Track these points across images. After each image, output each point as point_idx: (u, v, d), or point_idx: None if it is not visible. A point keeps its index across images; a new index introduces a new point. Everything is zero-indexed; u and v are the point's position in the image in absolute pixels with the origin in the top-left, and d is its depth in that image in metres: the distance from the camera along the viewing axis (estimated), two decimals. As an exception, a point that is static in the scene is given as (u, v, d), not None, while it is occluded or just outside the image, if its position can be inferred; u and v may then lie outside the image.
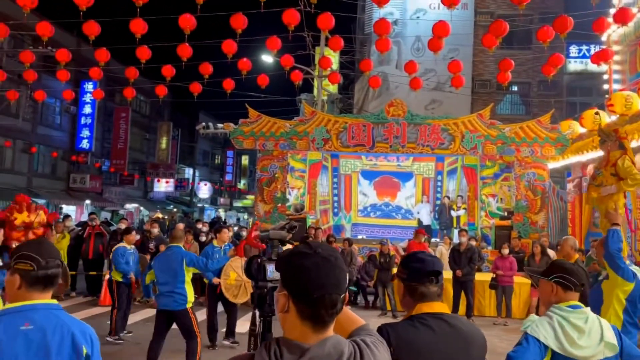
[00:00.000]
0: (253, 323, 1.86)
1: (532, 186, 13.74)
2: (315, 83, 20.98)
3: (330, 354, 1.36)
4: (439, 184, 16.44)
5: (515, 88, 25.15)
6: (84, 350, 2.13)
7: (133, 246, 8.61)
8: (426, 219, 15.80)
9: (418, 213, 15.96)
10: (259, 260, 1.83)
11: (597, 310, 3.90)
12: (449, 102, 22.76)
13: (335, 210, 16.60)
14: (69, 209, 29.53)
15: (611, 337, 2.51)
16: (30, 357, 2.03)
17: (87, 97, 29.76)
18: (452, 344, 2.06)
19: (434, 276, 2.14)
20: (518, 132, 13.75)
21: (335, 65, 21.72)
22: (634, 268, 4.01)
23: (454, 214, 15.36)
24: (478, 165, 15.17)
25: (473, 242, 12.14)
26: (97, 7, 8.34)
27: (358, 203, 16.72)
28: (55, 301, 2.21)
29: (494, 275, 10.42)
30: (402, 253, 11.63)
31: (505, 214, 14.21)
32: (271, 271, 1.82)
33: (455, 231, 14.13)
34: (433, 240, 14.35)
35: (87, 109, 30.55)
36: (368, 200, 16.69)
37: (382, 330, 2.07)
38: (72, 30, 25.27)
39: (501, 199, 14.96)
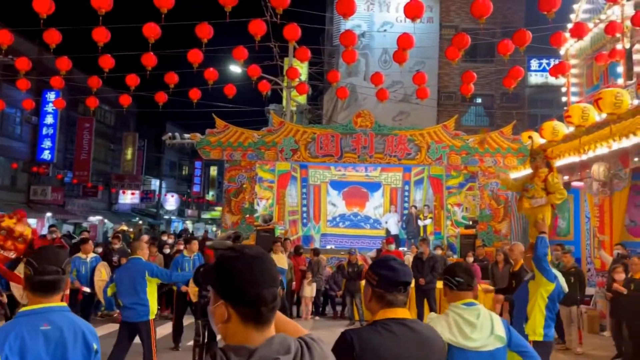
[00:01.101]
0: (197, 333, 1.87)
1: (495, 195, 14.05)
2: (284, 93, 21.01)
3: (278, 351, 1.36)
4: (407, 193, 16.63)
5: (479, 100, 25.73)
6: (94, 346, 2.42)
7: (92, 255, 8.61)
8: (394, 229, 15.92)
9: (386, 223, 16.08)
10: (201, 269, 1.86)
11: (524, 305, 4.52)
12: (415, 113, 23.12)
13: (305, 220, 16.58)
14: (29, 221, 28.57)
15: (500, 330, 2.77)
16: (50, 353, 2.28)
17: (49, 107, 28.99)
18: (414, 349, 2.09)
19: (403, 286, 2.16)
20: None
21: (303, 76, 21.81)
22: (555, 271, 4.58)
23: (420, 223, 15.54)
24: (444, 175, 15.42)
25: (439, 251, 12.30)
26: (59, 15, 8.18)
27: (327, 213, 16.74)
28: (64, 304, 2.43)
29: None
30: (370, 262, 11.69)
31: (470, 222, 14.47)
32: None
33: (420, 238, 14.29)
34: (401, 249, 14.46)
35: (49, 119, 29.76)
36: (337, 211, 16.74)
37: (345, 335, 2.09)
38: (34, 39, 24.66)
39: (466, 208, 15.23)
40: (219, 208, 46.61)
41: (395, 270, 2.17)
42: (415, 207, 15.97)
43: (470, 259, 10.87)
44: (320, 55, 25.24)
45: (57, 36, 8.58)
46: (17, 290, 9.44)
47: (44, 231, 21.89)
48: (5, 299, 6.33)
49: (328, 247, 15.41)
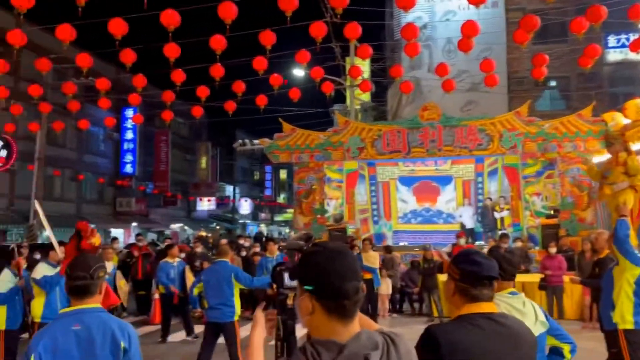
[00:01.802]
0: (278, 328, 1.93)
1: (577, 182, 13.32)
2: (347, 93, 21.03)
3: (366, 346, 1.38)
4: (480, 185, 16.10)
5: (553, 83, 24.49)
6: (122, 345, 2.51)
7: (177, 259, 9.10)
8: (469, 222, 15.49)
9: (460, 216, 15.67)
10: (277, 268, 1.92)
11: (609, 293, 4.39)
12: (485, 102, 22.35)
13: (375, 218, 16.50)
14: (116, 232, 30.45)
15: (542, 316, 2.86)
16: (80, 351, 2.46)
17: (128, 123, 30.79)
18: (502, 343, 2.01)
19: (488, 280, 2.10)
20: (559, 128, 13.38)
21: (366, 74, 21.73)
22: None
23: (497, 215, 15.01)
24: (519, 164, 14.79)
25: (519, 243, 11.84)
26: (132, 35, 8.65)
27: (398, 210, 16.56)
28: (99, 305, 2.61)
29: (543, 276, 10.10)
30: (446, 258, 11.44)
31: (552, 212, 13.78)
32: (287, 280, 1.90)
33: (500, 233, 13.81)
34: (477, 243, 14.06)
35: (129, 135, 31.59)
36: (408, 207, 16.51)
37: (430, 331, 2.04)
38: (110, 60, 26.24)
39: (546, 197, 14.51)
40: (291, 210, 47.38)
41: (478, 264, 2.11)
42: (491, 199, 15.45)
43: (553, 250, 10.36)
44: (382, 51, 25.03)
45: (132, 55, 9.08)
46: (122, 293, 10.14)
47: (132, 240, 23.25)
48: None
49: (401, 243, 15.24)
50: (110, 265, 9.80)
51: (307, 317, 1.46)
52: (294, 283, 1.91)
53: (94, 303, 2.58)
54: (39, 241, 20.25)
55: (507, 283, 2.89)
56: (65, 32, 7.91)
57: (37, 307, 6.40)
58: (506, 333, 2.03)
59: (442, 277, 10.55)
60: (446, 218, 16.26)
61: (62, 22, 8.09)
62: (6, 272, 6.53)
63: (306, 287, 1.46)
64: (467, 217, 15.59)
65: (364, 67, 20.84)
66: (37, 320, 6.31)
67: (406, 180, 16.46)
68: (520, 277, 10.54)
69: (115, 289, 9.75)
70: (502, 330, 2.03)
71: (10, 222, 24.12)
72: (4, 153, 21.81)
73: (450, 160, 15.61)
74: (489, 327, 2.02)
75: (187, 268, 9.38)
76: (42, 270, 6.47)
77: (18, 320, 6.49)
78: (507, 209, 15.05)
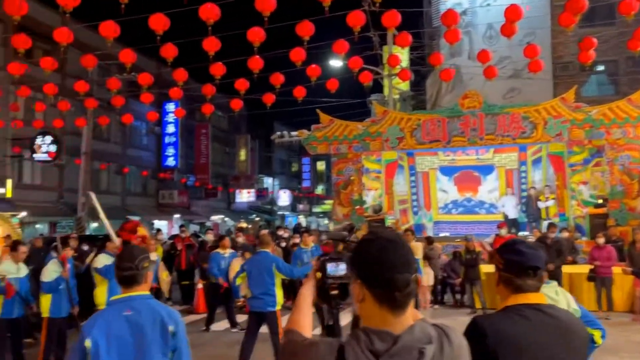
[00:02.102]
0: (322, 316, 1.95)
1: (627, 170, 12.80)
2: (385, 82, 20.82)
3: (421, 339, 1.37)
4: (524, 174, 15.67)
5: (601, 67, 23.54)
6: (170, 329, 2.67)
7: (229, 251, 9.29)
8: (512, 212, 15.13)
9: (503, 206, 15.32)
10: (321, 258, 1.93)
11: None
12: (528, 88, 21.71)
13: (415, 209, 16.33)
14: (160, 223, 31.27)
15: (574, 304, 2.92)
16: (132, 335, 2.62)
17: (170, 117, 31.46)
18: (551, 335, 1.95)
19: (533, 270, 2.04)
20: (607, 114, 12.88)
21: (404, 63, 21.45)
22: None
23: (541, 205, 14.60)
24: (565, 152, 14.32)
25: (565, 234, 11.50)
26: (172, 30, 8.79)
27: (438, 200, 16.33)
28: (147, 292, 2.79)
29: (592, 267, 9.78)
30: (489, 249, 11.23)
31: (600, 201, 13.30)
32: (330, 269, 1.91)
33: (545, 223, 13.43)
34: (521, 233, 13.73)
35: (171, 128, 32.28)
36: (448, 197, 16.26)
37: (476, 322, 2.01)
38: (151, 55, 26.84)
39: (594, 185, 14.01)
40: (329, 201, 47.48)
41: (522, 254, 2.06)
42: (535, 188, 15.03)
43: (602, 240, 10.00)
44: (421, 39, 24.63)
45: (173, 50, 9.24)
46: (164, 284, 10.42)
47: (175, 231, 23.82)
48: (76, 310, 7.03)
49: (442, 234, 15.04)
50: (154, 256, 10.05)
51: (358, 304, 1.45)
52: (338, 272, 1.92)
53: (142, 291, 2.76)
54: (87, 232, 21.01)
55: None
56: (109, 28, 8.11)
57: (100, 294, 6.69)
58: (555, 325, 1.97)
59: (485, 268, 10.36)
60: (488, 208, 15.93)
61: (106, 19, 8.30)
62: (54, 261, 6.81)
63: (358, 275, 1.45)
64: (510, 207, 15.23)
65: (403, 55, 20.59)
66: (101, 307, 6.56)
67: (447, 170, 16.20)
68: (567, 268, 10.27)
69: (157, 280, 10.00)
70: (551, 322, 1.97)
71: (60, 215, 25.12)
72: (53, 148, 22.64)
73: (493, 149, 15.26)
74: (536, 318, 1.97)
75: (238, 260, 9.51)
76: (103, 259, 6.76)
77: (62, 309, 6.76)
78: (552, 199, 14.61)
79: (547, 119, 13.38)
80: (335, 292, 2.13)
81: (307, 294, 1.82)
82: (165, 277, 10.31)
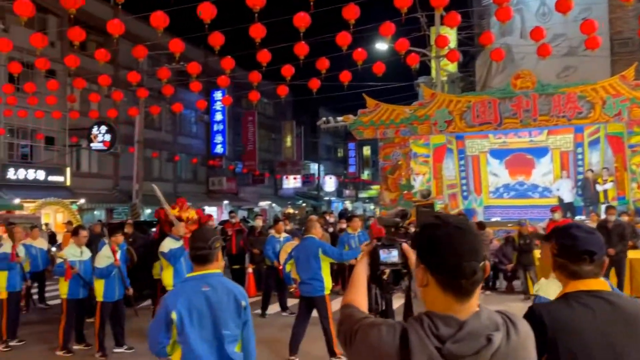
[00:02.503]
0: (376, 302, 1.96)
1: (694, 150, 12.06)
2: (433, 64, 20.37)
3: (487, 326, 1.32)
4: (580, 156, 15.03)
5: (664, 42, 22.14)
6: (242, 303, 2.99)
7: (284, 235, 9.48)
8: (567, 196, 14.58)
9: (558, 190, 14.78)
10: (373, 244, 1.92)
11: None
12: (584, 67, 20.69)
13: (465, 193, 15.99)
14: (210, 209, 32.02)
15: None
16: (209, 308, 2.89)
17: (217, 105, 32.02)
18: (614, 325, 1.85)
19: (588, 255, 1.95)
20: (672, 91, 12.13)
21: (453, 43, 20.88)
22: None
23: (599, 188, 13.99)
24: (625, 132, 13.63)
25: (625, 217, 10.98)
26: (219, 18, 8.88)
27: (489, 184, 15.92)
28: (219, 271, 3.06)
29: (655, 253, 9.32)
30: (542, 233, 10.88)
31: (663, 184, 12.62)
32: (383, 256, 1.89)
33: (603, 207, 12.87)
34: (577, 217, 13.23)
35: (218, 116, 32.87)
36: (500, 181, 15.82)
37: (534, 311, 1.93)
38: (199, 44, 27.30)
39: (656, 167, 13.31)
40: (375, 187, 47.23)
41: (575, 238, 1.97)
42: (592, 171, 14.40)
43: (666, 225, 9.50)
44: (469, 19, 23.88)
45: (220, 38, 9.33)
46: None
47: (224, 217, 24.36)
48: (130, 292, 7.29)
49: (493, 219, 14.69)
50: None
51: (421, 288, 1.42)
52: (391, 259, 1.89)
53: (214, 269, 3.02)
54: (142, 218, 21.78)
55: None
56: (159, 19, 8.27)
57: (167, 277, 7.03)
58: (618, 313, 1.86)
59: (539, 254, 10.05)
60: (542, 192, 15.40)
61: (155, 9, 8.46)
62: (106, 247, 7.10)
63: (421, 259, 1.42)
64: (566, 191, 14.67)
65: (451, 36, 20.05)
66: (169, 288, 6.80)
67: (498, 153, 15.74)
68: (629, 254, 9.82)
69: None
70: (613, 310, 1.87)
71: (116, 202, 26.14)
72: (108, 137, 23.52)
73: (547, 130, 14.71)
74: (598, 307, 1.87)
75: (291, 244, 9.60)
76: (169, 244, 7.06)
77: (115, 293, 7.05)
78: (611, 181, 13.97)
79: (606, 98, 12.77)
80: (387, 277, 2.12)
81: (362, 272, 1.82)
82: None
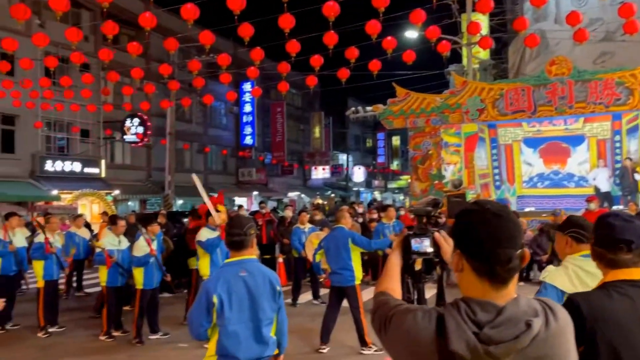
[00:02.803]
0: (408, 291, 1.97)
1: None
2: (464, 51, 20.01)
3: (526, 312, 1.30)
4: (618, 144, 14.55)
5: None
6: (277, 288, 3.14)
7: (309, 226, 9.54)
8: (604, 185, 14.16)
9: (594, 179, 14.37)
10: (405, 233, 1.91)
11: None
12: (622, 52, 19.97)
13: (497, 183, 15.71)
14: (240, 200, 32.39)
15: None
16: (247, 292, 3.04)
17: (247, 97, 32.23)
18: None
19: (625, 244, 1.91)
20: None
21: (485, 30, 20.44)
22: None
23: (638, 177, 13.53)
24: (665, 119, 13.13)
25: (666, 207, 10.62)
26: (248, 9, 8.89)
27: (522, 174, 15.58)
28: (254, 256, 3.20)
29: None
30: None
31: None
32: (415, 246, 1.88)
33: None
34: (615, 207, 12.84)
35: (248, 108, 33.09)
36: (533, 170, 15.46)
37: (572, 300, 1.91)
38: (228, 36, 27.47)
39: (700, 155, 12.80)
40: (405, 177, 46.87)
41: (612, 227, 1.94)
42: (631, 159, 13.93)
43: None
44: (502, 4, 23.34)
45: (249, 29, 9.35)
46: None
47: (254, 207, 24.60)
48: (168, 278, 7.44)
49: (527, 209, 14.40)
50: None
51: (457, 273, 1.41)
52: (422, 249, 1.88)
53: (250, 255, 3.16)
54: (174, 209, 22.17)
55: (584, 245, 2.82)
56: (189, 11, 8.33)
57: (204, 266, 7.14)
58: None
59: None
60: (578, 181, 14.99)
61: (186, 2, 8.53)
62: (143, 237, 7.25)
63: (457, 244, 1.40)
64: (602, 180, 14.25)
65: (483, 22, 19.64)
66: (205, 277, 6.93)
67: (531, 142, 15.38)
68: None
69: None
70: None
71: (149, 192, 26.67)
72: (140, 129, 23.96)
73: (583, 118, 14.29)
74: (637, 296, 1.84)
75: (317, 234, 9.64)
76: (205, 234, 7.18)
77: (154, 280, 7.23)
78: (651, 170, 13.50)
79: (646, 83, 12.31)
80: (419, 267, 2.10)
81: (395, 262, 1.83)
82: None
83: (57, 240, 8.23)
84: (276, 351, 3.21)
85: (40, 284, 7.67)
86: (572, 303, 1.88)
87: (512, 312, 1.29)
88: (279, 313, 3.19)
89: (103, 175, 24.07)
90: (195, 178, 8.18)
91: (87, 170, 23.27)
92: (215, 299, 2.97)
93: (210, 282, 3.08)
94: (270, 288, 3.10)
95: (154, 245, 7.20)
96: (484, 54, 22.21)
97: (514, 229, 1.35)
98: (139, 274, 7.12)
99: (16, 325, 8.03)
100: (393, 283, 1.70)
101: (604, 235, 1.96)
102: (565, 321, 1.38)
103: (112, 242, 7.32)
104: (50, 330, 7.65)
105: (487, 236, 1.33)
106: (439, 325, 1.31)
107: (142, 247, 7.10)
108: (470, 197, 13.95)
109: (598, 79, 12.81)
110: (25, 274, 7.55)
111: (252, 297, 3.04)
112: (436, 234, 1.85)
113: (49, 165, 21.72)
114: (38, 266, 7.69)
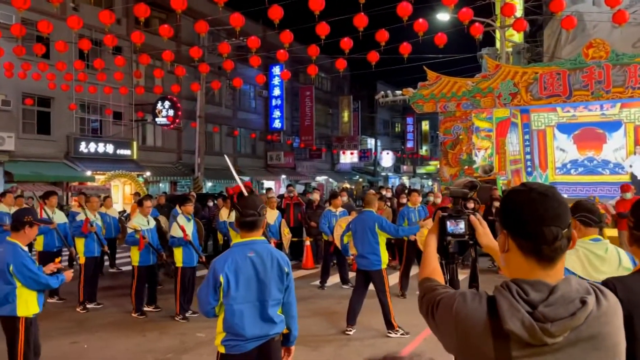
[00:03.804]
0: (443, 272, 1.99)
1: None
2: (498, 34, 19.52)
3: (579, 290, 1.30)
4: (657, 131, 14.11)
5: None
6: (285, 269, 3.16)
7: (340, 209, 9.56)
8: (641, 173, 13.77)
9: (631, 166, 13.97)
10: (440, 215, 1.91)
11: None
12: (664, 34, 19.23)
13: (529, 169, 15.42)
14: (268, 183, 32.62)
15: (627, 262, 2.85)
16: (255, 273, 3.07)
17: (276, 80, 32.24)
18: None
19: None
20: None
21: (519, 12, 19.87)
22: None
23: (677, 165, 13.11)
24: None
25: None
26: (278, -9, 8.86)
27: (555, 160, 15.26)
28: (263, 238, 3.22)
29: None
30: (613, 212, 10.35)
31: None
32: (450, 228, 1.87)
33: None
34: (652, 196, 12.47)
35: (277, 91, 33.11)
36: (567, 156, 15.12)
37: (607, 284, 1.85)
38: (257, 19, 27.44)
39: None
40: (434, 162, 46.35)
41: None
42: (670, 147, 13.49)
43: None
44: (538, -15, 22.59)
45: (279, 12, 9.32)
46: (285, 240, 10.90)
47: (282, 191, 24.76)
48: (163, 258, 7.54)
49: (559, 196, 14.11)
50: (276, 213, 10.48)
51: (503, 254, 1.41)
52: (458, 231, 1.88)
53: (259, 235, 3.17)
54: (204, 191, 22.50)
55: (593, 229, 2.97)
56: (220, -7, 8.35)
57: None
58: None
59: (609, 232, 9.59)
60: (613, 168, 14.60)
61: (216, -16, 8.53)
62: (180, 217, 7.39)
63: (503, 224, 1.40)
64: (639, 167, 13.84)
65: (518, 4, 19.12)
66: None
67: (566, 127, 15.01)
68: None
69: (280, 235, 10.42)
70: None
71: (180, 174, 27.10)
72: (171, 112, 24.28)
73: (620, 103, 13.85)
74: None
75: (345, 219, 9.64)
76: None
77: (193, 259, 7.38)
78: (692, 158, 13.05)
79: (688, 67, 11.82)
80: (453, 249, 2.10)
81: (433, 246, 1.85)
82: (286, 233, 10.75)
83: (97, 219, 8.49)
84: (285, 330, 3.25)
85: (82, 260, 7.93)
86: (609, 287, 1.81)
87: (565, 290, 1.29)
88: (286, 294, 3.20)
89: (135, 157, 24.55)
90: (227, 159, 8.27)
91: (119, 151, 23.77)
92: (222, 279, 3.01)
93: (218, 262, 3.10)
94: (278, 269, 3.12)
95: (188, 229, 7.30)
96: (518, 37, 21.64)
97: (559, 208, 1.35)
98: (178, 253, 7.28)
99: (62, 300, 8.35)
100: (435, 267, 1.72)
101: None
102: (614, 301, 1.37)
103: (141, 222, 7.49)
104: (87, 306, 7.92)
105: (532, 214, 1.33)
106: (490, 305, 1.32)
107: (177, 229, 7.23)
108: (502, 183, 13.74)
109: (637, 62, 12.34)
110: (72, 248, 7.81)
111: (259, 278, 3.07)
112: (472, 217, 1.85)
113: (82, 147, 22.26)
114: (79, 243, 7.97)
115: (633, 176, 13.75)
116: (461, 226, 1.89)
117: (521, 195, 1.37)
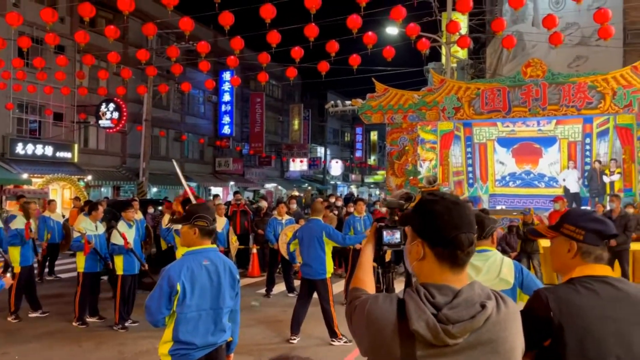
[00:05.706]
0: (378, 281, 2.06)
1: None
2: (443, 50, 20.21)
3: (480, 295, 1.40)
4: (588, 147, 14.95)
5: (679, 33, 21.79)
6: (237, 277, 3.28)
7: (287, 217, 9.56)
8: (574, 187, 14.54)
9: (564, 180, 14.74)
10: (377, 225, 2.01)
11: None
12: (596, 57, 20.46)
13: (470, 181, 15.98)
14: (216, 190, 32.16)
15: (507, 274, 3.06)
16: (210, 281, 3.11)
17: (226, 86, 31.94)
18: (621, 310, 1.82)
19: (609, 240, 1.96)
20: (684, 83, 11.98)
21: (464, 30, 20.66)
22: None
23: (606, 179, 13.93)
24: (634, 124, 13.48)
25: (631, 210, 10.96)
26: (229, -3, 8.83)
27: (495, 172, 15.89)
28: (215, 246, 3.31)
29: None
30: (547, 223, 10.89)
31: (671, 177, 12.54)
32: (386, 238, 1.97)
33: (609, 198, 12.83)
34: (583, 208, 13.20)
35: (226, 97, 32.80)
36: (506, 169, 15.78)
37: (540, 294, 1.90)
38: (208, 24, 27.16)
39: (665, 160, 13.20)
40: (381, 172, 47.15)
41: (604, 223, 1.94)
42: (600, 162, 14.33)
43: (671, 218, 9.49)
44: (481, 5, 23.61)
45: (230, 18, 9.30)
46: (233, 249, 10.76)
47: (229, 198, 24.48)
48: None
49: (498, 207, 14.69)
50: (223, 221, 10.36)
51: (416, 262, 1.48)
52: (394, 241, 1.95)
53: (212, 244, 3.27)
54: (148, 197, 21.92)
55: (482, 242, 3.11)
56: (169, -3, 8.23)
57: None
58: (625, 299, 1.83)
59: (544, 242, 10.07)
60: (548, 182, 15.37)
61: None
62: (121, 224, 7.19)
63: (419, 234, 1.47)
64: (572, 181, 14.63)
65: (462, 22, 19.85)
66: None
67: (505, 142, 15.68)
68: (633, 245, 9.84)
69: (227, 244, 10.31)
70: (619, 296, 1.84)
71: (123, 179, 26.28)
72: (116, 115, 23.57)
73: (555, 120, 14.60)
74: (604, 292, 1.84)
75: (290, 226, 9.63)
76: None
77: (134, 267, 7.19)
78: (619, 173, 13.90)
79: (617, 89, 12.62)
80: (389, 258, 2.19)
81: (369, 255, 1.92)
82: (234, 241, 10.66)
83: (34, 226, 8.16)
84: (230, 338, 3.28)
85: (17, 269, 7.56)
86: (540, 297, 1.87)
87: (468, 295, 1.38)
88: (235, 302, 3.28)
89: (76, 160, 23.63)
90: (175, 164, 8.15)
91: (59, 154, 22.82)
92: (178, 287, 2.99)
93: (173, 270, 3.07)
94: (231, 277, 3.20)
95: (130, 236, 7.10)
96: (462, 53, 22.47)
97: (471, 215, 1.46)
98: (119, 261, 7.07)
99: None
100: (366, 276, 1.77)
101: (597, 230, 1.92)
102: (514, 308, 1.46)
103: (89, 227, 7.24)
104: (31, 315, 7.57)
105: (451, 222, 1.42)
106: (399, 308, 1.39)
107: (118, 236, 7.03)
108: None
109: (571, 82, 13.08)
110: (7, 256, 7.43)
111: (214, 286, 3.11)
112: (407, 227, 1.92)
113: (19, 148, 21.23)
114: (15, 252, 7.57)
115: (566, 189, 14.51)
116: (397, 236, 1.98)
117: (437, 205, 1.45)
